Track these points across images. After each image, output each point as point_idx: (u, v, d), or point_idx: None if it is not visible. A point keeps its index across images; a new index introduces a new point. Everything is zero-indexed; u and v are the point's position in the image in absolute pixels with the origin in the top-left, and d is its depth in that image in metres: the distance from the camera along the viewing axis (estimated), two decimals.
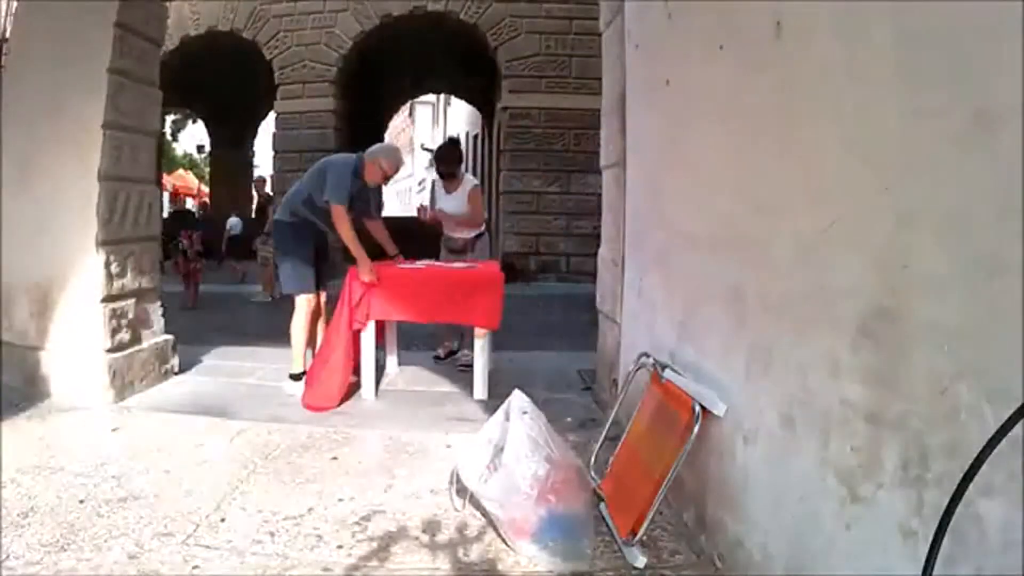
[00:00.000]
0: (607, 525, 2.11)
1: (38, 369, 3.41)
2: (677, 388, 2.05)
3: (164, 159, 16.53)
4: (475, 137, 18.40)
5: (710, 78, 2.07)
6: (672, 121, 2.48)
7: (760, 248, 1.72)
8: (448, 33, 10.91)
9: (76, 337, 3.37)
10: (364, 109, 12.38)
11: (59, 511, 2.14)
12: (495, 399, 3.18)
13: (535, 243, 10.38)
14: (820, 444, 1.42)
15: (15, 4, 3.92)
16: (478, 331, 3.57)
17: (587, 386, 3.78)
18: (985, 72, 1.04)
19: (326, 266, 3.82)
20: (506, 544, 1.98)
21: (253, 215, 10.05)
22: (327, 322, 3.72)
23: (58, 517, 2.10)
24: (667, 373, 2.16)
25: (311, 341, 3.75)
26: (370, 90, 12.28)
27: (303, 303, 3.63)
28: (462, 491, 2.20)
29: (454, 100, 22.59)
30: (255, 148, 16.77)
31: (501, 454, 2.04)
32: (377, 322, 3.64)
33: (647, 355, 2.37)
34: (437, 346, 4.49)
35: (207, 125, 16.58)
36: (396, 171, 3.86)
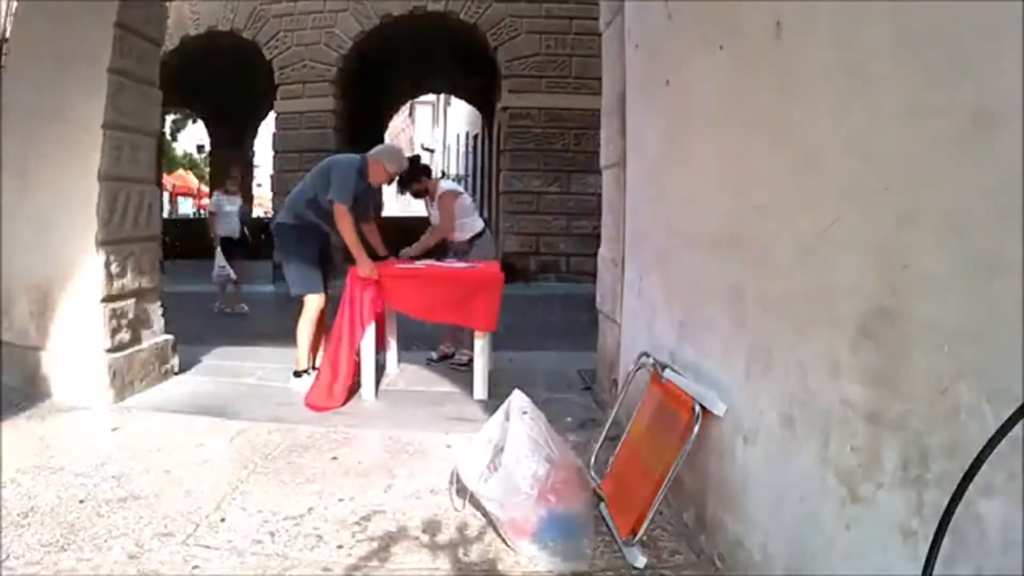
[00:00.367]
0: (607, 525, 2.11)
1: (38, 369, 3.41)
2: (677, 388, 2.05)
3: (164, 159, 16.56)
4: (475, 137, 18.40)
5: (710, 78, 2.07)
6: (672, 121, 2.48)
7: (760, 248, 1.72)
8: (448, 33, 10.90)
9: (76, 337, 3.37)
10: (364, 109, 12.38)
11: (59, 511, 2.14)
12: (495, 399, 3.18)
13: (535, 243, 10.38)
14: (820, 444, 1.42)
15: (15, 4, 3.92)
16: (478, 331, 3.57)
17: (587, 386, 3.78)
18: (985, 72, 1.04)
19: (330, 267, 3.83)
20: (506, 544, 1.98)
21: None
22: (327, 324, 3.72)
23: (58, 517, 2.10)
24: (667, 373, 2.16)
25: (317, 341, 3.75)
26: (370, 90, 12.28)
27: (313, 302, 3.65)
28: (462, 491, 2.20)
29: (454, 100, 22.59)
30: (255, 148, 16.77)
31: (501, 454, 2.03)
32: (377, 323, 3.65)
33: (647, 355, 2.37)
34: (437, 347, 4.49)
35: (207, 125, 16.58)
36: (399, 172, 3.86)
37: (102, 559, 1.86)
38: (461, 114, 22.42)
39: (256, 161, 17.46)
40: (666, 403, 2.10)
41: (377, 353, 3.72)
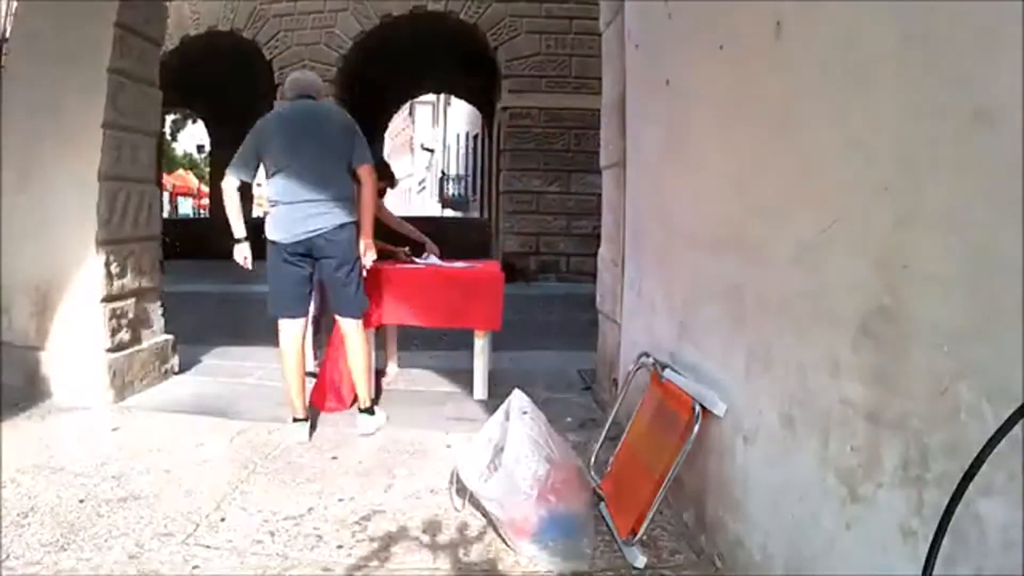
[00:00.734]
0: (607, 525, 2.11)
1: (38, 369, 3.41)
2: (677, 388, 2.05)
3: (164, 159, 16.55)
4: (475, 137, 18.41)
5: (710, 78, 2.07)
6: (672, 121, 2.48)
7: (760, 248, 1.72)
8: (448, 33, 10.91)
9: (76, 337, 3.37)
10: (364, 109, 12.38)
11: (59, 511, 2.14)
12: (495, 399, 3.18)
13: (535, 243, 10.38)
14: (820, 444, 1.42)
15: (15, 4, 3.92)
16: (478, 331, 3.57)
17: (587, 386, 3.78)
18: (985, 72, 1.04)
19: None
20: (506, 544, 1.98)
21: None
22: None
23: (58, 517, 2.10)
24: (667, 373, 2.16)
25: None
26: (370, 90, 12.28)
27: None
28: (462, 491, 2.20)
29: (454, 100, 22.59)
30: None
31: (501, 454, 2.03)
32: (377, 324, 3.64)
33: (647, 355, 2.37)
34: (437, 347, 4.48)
35: (207, 125, 16.57)
36: None
37: (102, 559, 1.86)
38: (461, 114, 22.42)
39: None
40: (666, 403, 2.10)
41: (376, 349, 3.72)
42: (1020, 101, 0.95)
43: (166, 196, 20.99)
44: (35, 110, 3.45)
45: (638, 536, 1.91)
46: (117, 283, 3.47)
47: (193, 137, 24.20)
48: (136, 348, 3.59)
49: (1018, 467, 0.95)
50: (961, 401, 1.06)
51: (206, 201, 20.90)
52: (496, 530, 2.04)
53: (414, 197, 35.57)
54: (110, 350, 3.39)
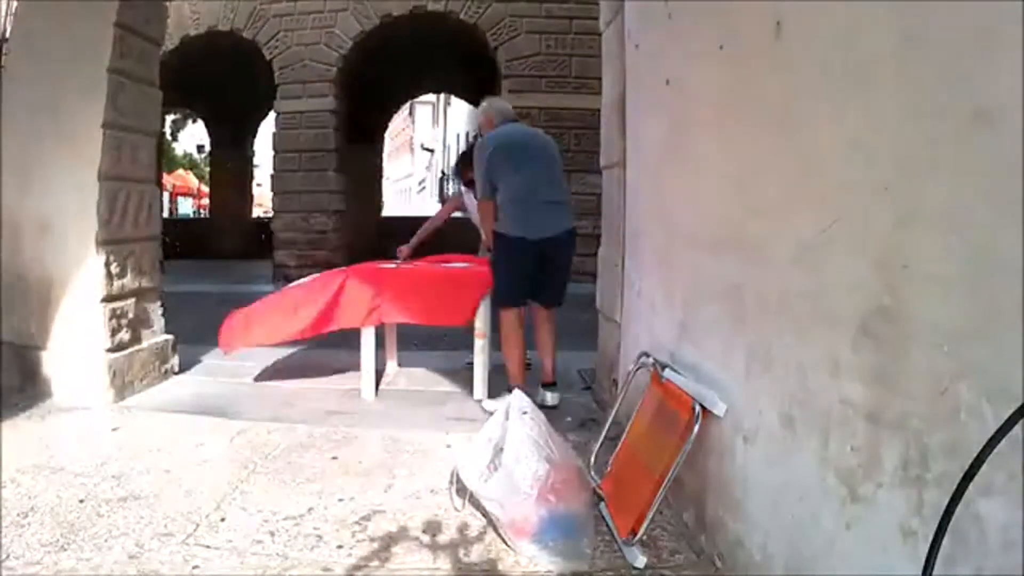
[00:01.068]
0: (607, 525, 2.11)
1: (38, 369, 3.41)
2: (677, 388, 2.05)
3: (164, 159, 16.54)
4: (475, 137, 18.39)
5: (710, 78, 2.07)
6: (672, 121, 2.48)
7: (760, 248, 1.72)
8: (448, 33, 10.90)
9: (76, 337, 3.37)
10: (364, 109, 12.38)
11: (59, 511, 2.14)
12: (495, 399, 3.19)
13: None
14: (820, 444, 1.42)
15: (15, 4, 3.92)
16: (478, 331, 3.57)
17: (587, 386, 3.78)
18: (985, 72, 1.04)
19: None
20: (506, 544, 1.98)
21: None
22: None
23: (58, 517, 2.10)
24: (667, 373, 2.16)
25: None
26: (370, 90, 12.27)
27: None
28: (462, 491, 2.20)
29: (454, 100, 22.59)
30: (255, 148, 16.76)
31: (501, 454, 2.04)
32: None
33: (647, 355, 2.37)
34: (437, 347, 4.48)
35: (207, 125, 16.56)
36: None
37: (102, 559, 1.86)
38: (461, 114, 22.42)
39: (256, 161, 17.44)
40: (666, 403, 2.10)
41: (376, 349, 3.72)
42: (1020, 101, 0.95)
43: (166, 196, 20.98)
44: (35, 110, 3.45)
45: (638, 536, 1.91)
46: (117, 283, 3.47)
47: (193, 137, 24.21)
48: (136, 348, 3.59)
49: (1018, 467, 0.95)
50: (961, 401, 1.06)
51: (206, 201, 20.87)
52: (496, 530, 2.04)
53: (414, 197, 35.58)
54: (110, 350, 3.39)
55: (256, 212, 19.16)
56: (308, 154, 10.77)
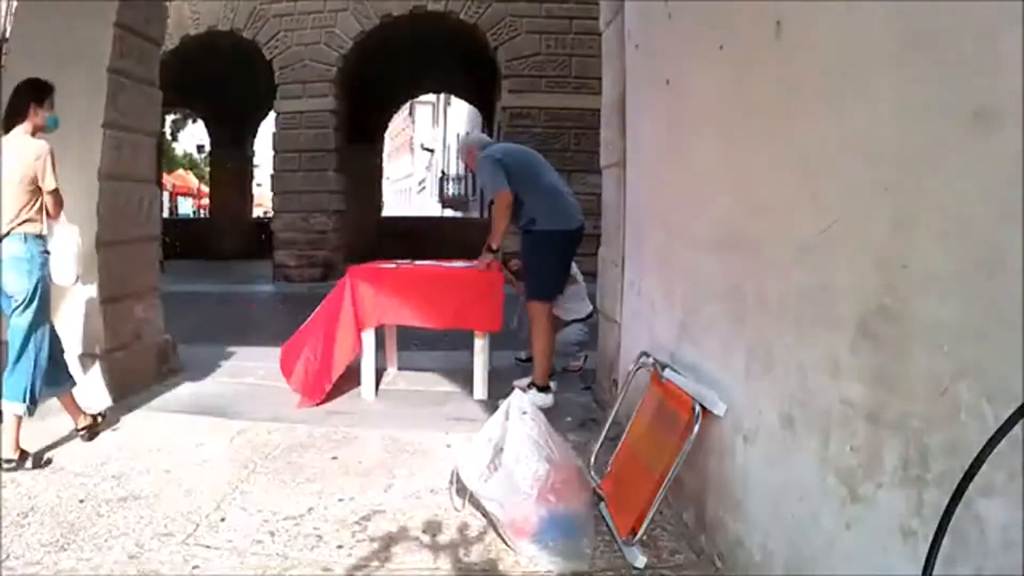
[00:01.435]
0: (607, 525, 2.11)
1: None
2: (677, 388, 2.05)
3: (164, 159, 16.54)
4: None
5: (710, 78, 2.07)
6: (672, 121, 2.48)
7: (760, 248, 1.73)
8: (448, 33, 10.90)
9: (76, 337, 3.37)
10: (364, 109, 12.38)
11: (59, 511, 2.15)
12: (495, 399, 3.19)
13: None
14: (820, 444, 1.42)
15: (15, 4, 3.92)
16: (478, 331, 3.57)
17: (587, 386, 3.78)
18: (985, 72, 1.04)
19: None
20: (506, 544, 1.98)
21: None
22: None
23: (58, 517, 2.10)
24: (667, 373, 2.16)
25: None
26: (370, 90, 12.27)
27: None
28: (462, 491, 2.21)
29: (454, 100, 22.61)
30: (255, 148, 16.76)
31: (501, 454, 2.04)
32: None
33: (647, 355, 2.37)
34: (437, 347, 4.48)
35: (207, 125, 16.56)
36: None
37: (102, 559, 1.86)
38: (461, 114, 22.44)
39: (256, 161, 17.44)
40: (666, 403, 2.10)
41: (377, 349, 3.72)
42: (1020, 101, 0.95)
43: (166, 196, 20.98)
44: None
45: (638, 536, 1.91)
46: (117, 283, 3.47)
47: (193, 137, 24.20)
48: (136, 348, 3.59)
49: (1018, 467, 0.95)
50: (961, 401, 1.06)
51: (206, 201, 20.88)
52: (496, 530, 2.04)
53: (414, 197, 35.58)
54: (110, 350, 3.39)
55: (256, 212, 19.16)
56: (308, 154, 10.77)
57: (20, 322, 2.58)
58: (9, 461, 2.48)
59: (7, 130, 2.70)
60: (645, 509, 1.91)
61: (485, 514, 2.10)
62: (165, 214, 16.69)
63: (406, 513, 2.20)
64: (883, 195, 1.25)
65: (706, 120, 2.13)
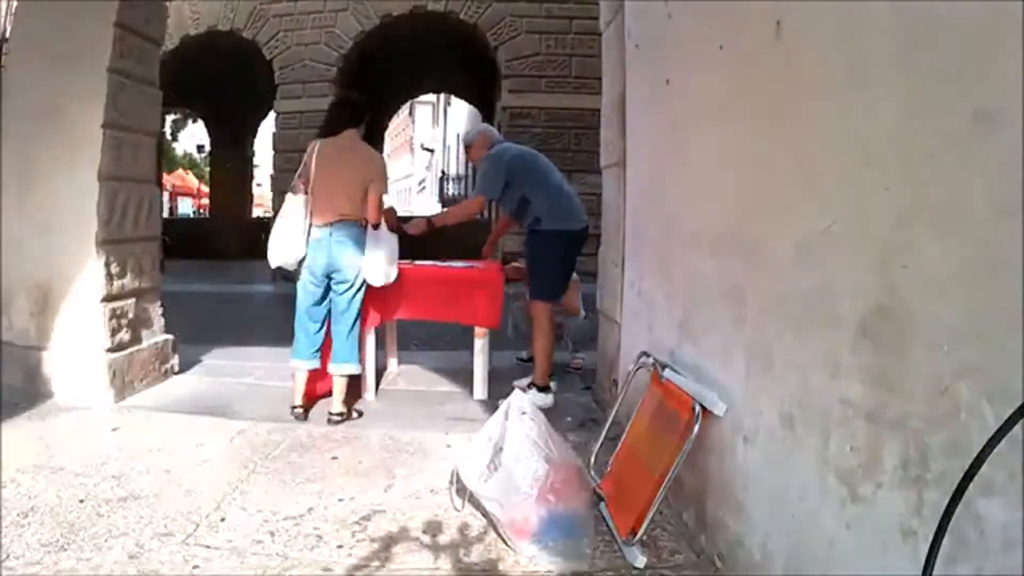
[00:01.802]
0: (607, 525, 2.11)
1: (38, 369, 3.41)
2: (677, 388, 2.05)
3: (164, 159, 16.54)
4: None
5: (710, 78, 2.07)
6: (672, 121, 2.48)
7: (760, 248, 1.72)
8: (448, 33, 10.91)
9: (76, 337, 3.37)
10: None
11: (59, 511, 2.14)
12: (495, 399, 3.19)
13: None
14: (820, 444, 1.42)
15: (15, 4, 3.92)
16: (478, 331, 3.57)
17: (587, 386, 3.78)
18: (985, 71, 1.04)
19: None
20: (506, 544, 1.98)
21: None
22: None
23: (58, 517, 2.10)
24: (667, 373, 2.16)
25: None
26: (370, 90, 12.26)
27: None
28: (462, 491, 2.20)
29: (454, 100, 22.61)
30: (255, 148, 16.77)
31: (501, 454, 2.04)
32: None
33: (647, 355, 2.37)
34: (437, 347, 4.48)
35: (207, 125, 16.57)
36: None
37: (102, 559, 1.86)
38: (461, 114, 22.43)
39: (256, 161, 17.45)
40: (666, 403, 2.10)
41: (377, 349, 3.73)
42: (1020, 101, 0.95)
43: (166, 196, 20.99)
44: (35, 110, 3.45)
45: (638, 536, 1.91)
46: (117, 283, 3.47)
47: (193, 137, 24.22)
48: (136, 348, 3.59)
49: (1018, 467, 0.95)
50: (961, 401, 1.06)
51: (206, 201, 20.88)
52: (496, 530, 2.04)
53: (414, 197, 35.58)
54: (110, 350, 3.39)
55: (256, 212, 19.17)
56: None
57: (353, 298, 3.14)
58: (340, 415, 3.12)
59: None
60: (645, 509, 1.91)
61: (485, 514, 2.10)
62: (165, 214, 16.68)
63: (406, 513, 2.20)
64: (883, 195, 1.25)
65: (706, 120, 2.13)
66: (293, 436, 2.91)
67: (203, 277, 10.35)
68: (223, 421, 3.11)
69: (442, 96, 25.07)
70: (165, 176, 19.49)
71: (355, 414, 3.23)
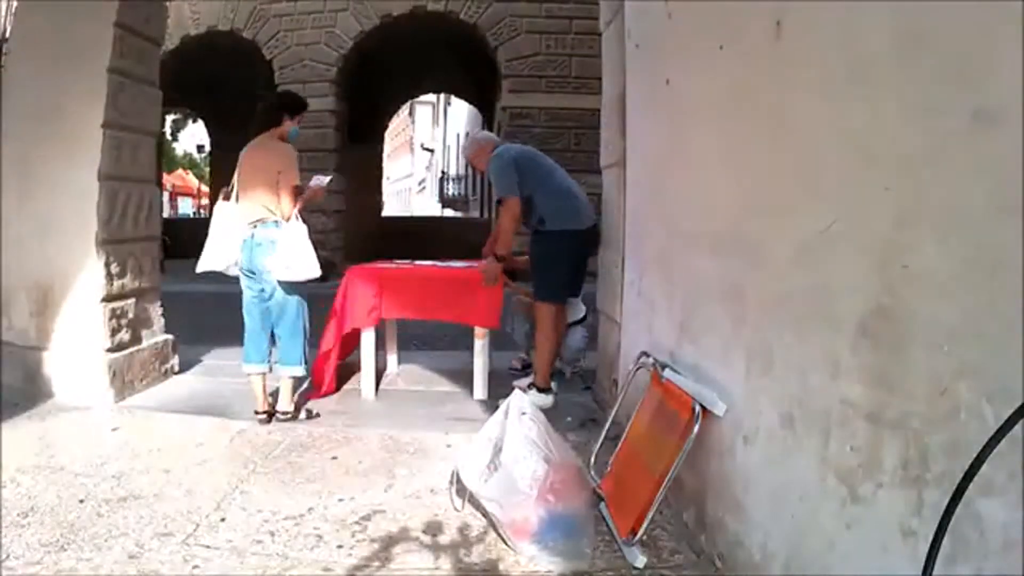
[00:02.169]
0: (607, 525, 2.11)
1: (38, 369, 3.42)
2: (677, 388, 2.05)
3: (164, 159, 16.53)
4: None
5: (710, 78, 2.07)
6: (672, 121, 2.48)
7: (760, 248, 1.72)
8: (448, 33, 10.91)
9: (76, 337, 3.38)
10: (364, 109, 12.38)
11: (59, 511, 2.14)
12: (495, 399, 3.19)
13: None
14: (820, 444, 1.42)
15: (15, 4, 3.92)
16: (478, 331, 3.57)
17: (587, 386, 3.78)
18: (985, 71, 1.04)
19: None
20: (506, 544, 1.98)
21: None
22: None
23: (58, 517, 2.10)
24: (667, 373, 2.16)
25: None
26: (370, 90, 12.28)
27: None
28: (462, 491, 2.21)
29: (454, 100, 22.61)
30: None
31: (501, 454, 2.04)
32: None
33: (647, 355, 2.37)
34: (437, 347, 4.48)
35: (207, 125, 16.57)
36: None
37: (102, 559, 1.86)
38: (461, 114, 22.44)
39: None
40: (666, 403, 2.10)
41: (377, 349, 3.73)
42: (1020, 101, 0.95)
43: (166, 196, 20.99)
44: (35, 110, 3.45)
45: (638, 536, 1.91)
46: (117, 283, 3.48)
47: (193, 137, 24.21)
48: (136, 348, 3.59)
49: (1018, 467, 0.95)
50: (961, 401, 1.06)
51: (206, 201, 20.88)
52: (496, 530, 2.04)
53: (414, 197, 35.59)
54: (110, 350, 3.39)
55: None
56: (308, 154, 10.74)
57: (285, 299, 3.09)
58: (285, 413, 3.12)
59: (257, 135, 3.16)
60: (645, 509, 1.91)
61: (485, 514, 2.10)
62: (165, 214, 16.67)
63: (406, 513, 2.20)
64: (883, 195, 1.25)
65: (706, 120, 2.13)
66: (293, 436, 2.91)
67: (203, 277, 10.33)
68: (223, 421, 3.11)
69: (442, 96, 25.07)
70: (165, 176, 19.49)
71: (304, 413, 3.19)
